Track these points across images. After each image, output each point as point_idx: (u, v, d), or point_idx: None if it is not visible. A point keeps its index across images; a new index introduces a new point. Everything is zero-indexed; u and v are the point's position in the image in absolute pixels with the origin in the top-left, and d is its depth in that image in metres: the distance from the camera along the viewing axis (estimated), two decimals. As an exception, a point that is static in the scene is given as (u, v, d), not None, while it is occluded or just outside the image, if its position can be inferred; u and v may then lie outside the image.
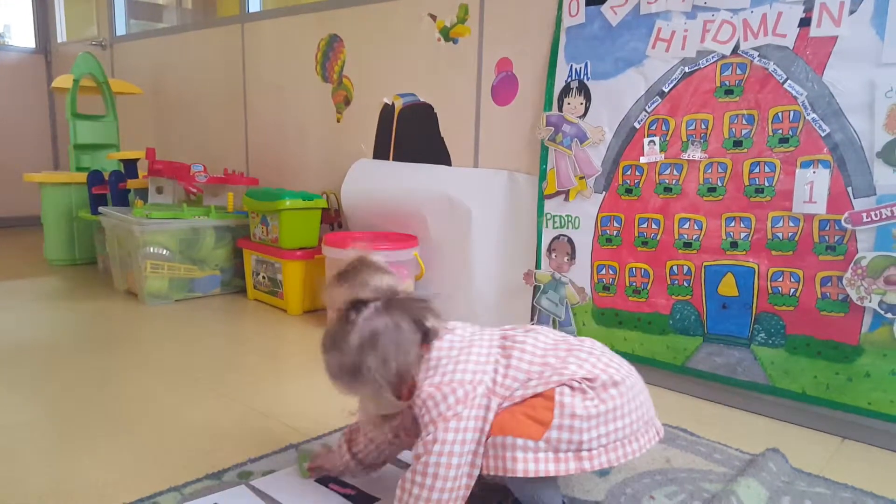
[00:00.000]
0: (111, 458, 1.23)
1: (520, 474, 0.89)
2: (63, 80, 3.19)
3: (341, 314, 0.96)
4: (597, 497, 1.13)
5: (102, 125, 3.23)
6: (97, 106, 3.26)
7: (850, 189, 1.37)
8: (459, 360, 0.96)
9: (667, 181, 1.62)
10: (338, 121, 2.56)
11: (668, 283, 1.64)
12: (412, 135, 2.30)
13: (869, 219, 1.35)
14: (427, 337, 0.97)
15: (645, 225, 1.67)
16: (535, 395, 0.94)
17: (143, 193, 2.78)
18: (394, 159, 2.36)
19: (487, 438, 0.93)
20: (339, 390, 0.99)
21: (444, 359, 0.96)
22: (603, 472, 1.21)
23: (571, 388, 0.93)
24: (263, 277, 2.44)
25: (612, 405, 0.94)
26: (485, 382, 0.95)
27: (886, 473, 1.26)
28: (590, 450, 0.92)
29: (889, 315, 1.33)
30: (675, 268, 1.63)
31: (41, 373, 1.69)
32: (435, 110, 2.20)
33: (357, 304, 0.95)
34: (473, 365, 0.96)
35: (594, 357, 0.99)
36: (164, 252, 2.40)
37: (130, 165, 2.96)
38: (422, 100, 2.24)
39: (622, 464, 0.96)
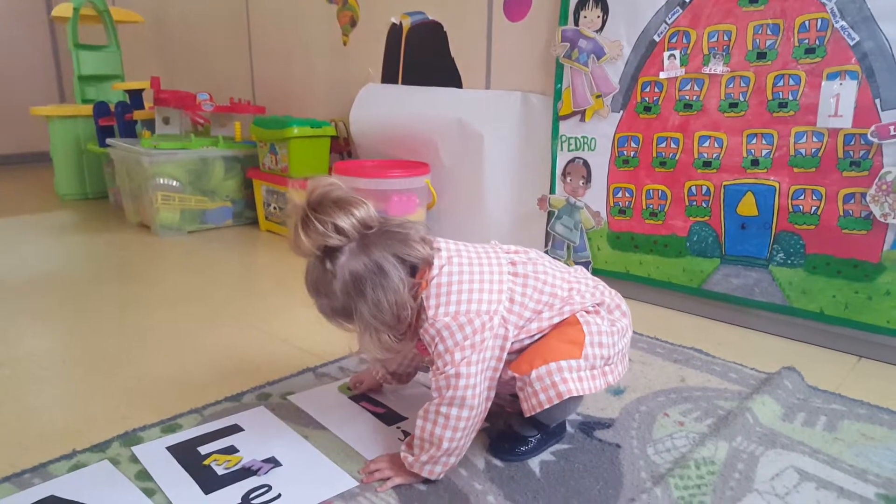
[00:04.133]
0: (132, 383, 1.26)
1: (574, 393, 0.89)
2: (63, 9, 3.11)
3: (315, 261, 0.90)
4: (611, 415, 1.13)
5: (105, 55, 3.17)
6: (99, 35, 3.19)
7: (878, 101, 1.31)
8: (473, 289, 0.91)
9: (687, 97, 1.56)
10: (344, 43, 2.48)
11: (686, 204, 1.61)
12: (421, 56, 2.23)
13: (897, 132, 1.29)
14: (416, 269, 0.92)
15: (663, 144, 1.62)
16: (554, 326, 0.95)
17: (149, 124, 2.75)
18: (403, 83, 2.30)
19: (528, 374, 0.91)
20: (337, 327, 0.96)
21: (454, 284, 0.91)
22: (617, 391, 1.22)
23: (588, 312, 0.97)
24: (275, 208, 2.42)
25: (619, 325, 0.98)
26: (500, 312, 0.92)
27: (903, 390, 1.26)
28: (612, 364, 0.97)
29: (913, 232, 1.30)
30: (693, 188, 1.59)
31: (60, 303, 1.71)
32: (445, 29, 2.12)
33: (329, 252, 0.88)
34: (487, 294, 0.92)
35: (591, 286, 1.01)
36: (174, 183, 2.39)
37: (136, 96, 2.92)
38: (431, 18, 2.16)
39: (622, 377, 1.01)
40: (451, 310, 0.90)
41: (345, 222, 0.86)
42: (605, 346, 0.94)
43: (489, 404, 0.94)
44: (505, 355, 0.93)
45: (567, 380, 0.90)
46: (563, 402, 0.91)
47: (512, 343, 0.94)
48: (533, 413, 0.92)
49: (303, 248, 0.88)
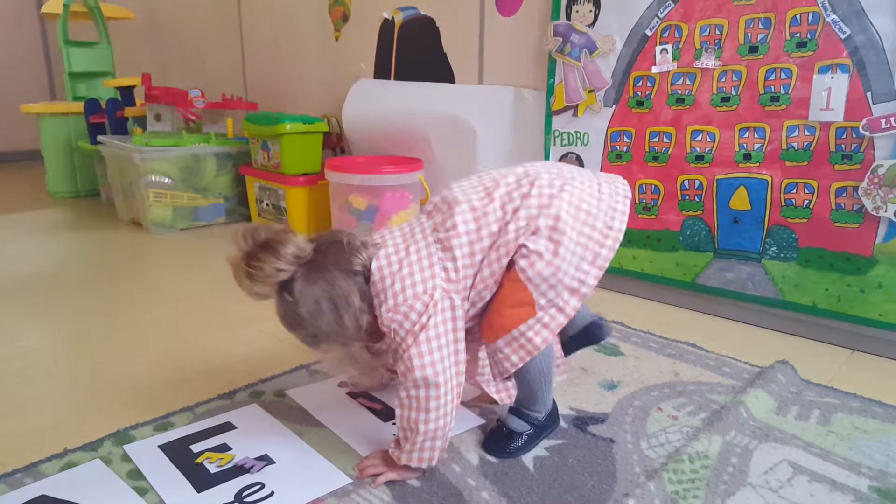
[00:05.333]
0: (124, 381, 1.25)
1: (542, 345, 0.91)
2: (53, 5, 3.08)
3: (277, 297, 0.95)
4: (605, 410, 1.13)
5: (96, 52, 3.15)
6: (89, 32, 3.16)
7: (869, 94, 1.31)
8: (404, 276, 0.91)
9: (679, 91, 1.56)
10: (336, 39, 2.47)
11: (679, 198, 1.61)
12: (414, 52, 2.22)
13: (888, 125, 1.29)
14: (363, 273, 0.94)
15: (656, 139, 1.62)
16: (501, 287, 0.93)
17: (141, 121, 2.73)
18: (395, 78, 2.29)
19: (496, 342, 0.93)
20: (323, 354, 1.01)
21: (387, 279, 0.92)
22: (611, 386, 1.22)
23: (525, 251, 0.90)
24: (267, 205, 2.41)
25: (565, 244, 0.90)
26: (438, 286, 0.91)
27: (895, 383, 1.26)
28: (564, 297, 0.92)
29: (905, 225, 1.31)
30: (686, 182, 1.59)
31: (51, 301, 1.70)
32: (437, 24, 2.12)
33: (284, 285, 0.92)
34: (419, 274, 0.91)
35: (529, 196, 0.92)
36: (166, 180, 2.37)
37: (127, 93, 2.90)
38: (423, 13, 2.15)
39: (604, 270, 0.94)
40: (390, 304, 0.91)
41: (281, 261, 0.90)
42: (553, 287, 0.90)
43: (462, 378, 0.93)
44: (463, 323, 0.93)
45: (532, 338, 0.91)
46: (538, 369, 0.96)
47: (474, 302, 0.95)
48: (510, 373, 0.94)
49: (260, 292, 0.93)
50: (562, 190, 0.92)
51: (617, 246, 0.94)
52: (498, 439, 1.02)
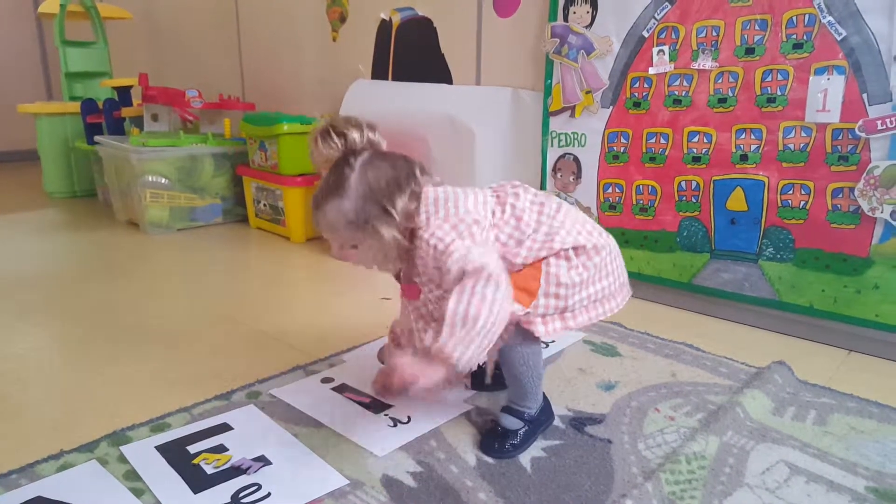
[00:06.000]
0: (120, 382, 1.25)
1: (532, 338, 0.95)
2: (50, 5, 3.08)
3: (336, 163, 0.96)
4: (602, 410, 1.13)
5: (93, 52, 3.14)
6: (86, 32, 3.16)
7: (865, 96, 1.32)
8: (458, 201, 0.95)
9: (676, 93, 1.56)
10: (333, 39, 2.47)
11: (676, 199, 1.61)
12: (411, 52, 2.22)
13: (884, 126, 1.30)
14: (419, 182, 0.97)
15: (653, 140, 1.62)
16: (524, 267, 0.96)
17: (138, 121, 2.73)
18: (393, 79, 2.29)
19: None
20: (338, 242, 0.99)
21: (441, 198, 0.96)
22: (608, 386, 1.22)
23: (558, 256, 0.96)
24: (265, 205, 2.41)
25: (595, 271, 0.98)
26: (488, 221, 0.96)
27: (892, 383, 1.27)
28: (573, 311, 0.97)
29: (901, 226, 1.31)
30: (683, 183, 1.59)
31: (48, 302, 1.69)
32: (434, 25, 2.12)
33: (349, 154, 0.96)
34: (473, 205, 0.96)
35: (578, 223, 1.00)
36: (163, 181, 2.37)
37: (124, 93, 2.90)
38: (420, 14, 2.15)
39: (599, 321, 1.01)
40: (441, 214, 0.94)
41: (362, 134, 0.97)
42: (561, 298, 0.95)
43: (508, 306, 0.90)
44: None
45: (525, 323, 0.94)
46: (526, 363, 0.99)
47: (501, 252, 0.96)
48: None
49: (329, 156, 0.96)
50: (608, 237, 1.02)
51: (617, 309, 1.03)
52: (494, 439, 1.02)
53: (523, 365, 1.00)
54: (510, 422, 1.02)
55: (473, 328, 0.84)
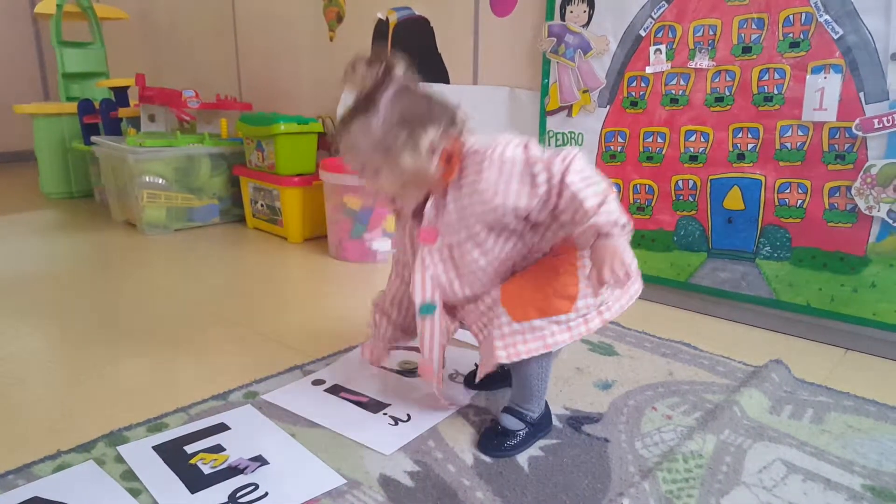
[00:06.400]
0: (118, 382, 1.24)
1: (560, 345, 0.94)
2: (46, 6, 3.07)
3: (372, 85, 0.89)
4: (600, 409, 1.13)
5: (90, 52, 3.14)
6: (83, 32, 3.15)
7: (861, 94, 1.32)
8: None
9: (673, 92, 1.56)
10: (331, 39, 2.47)
11: (673, 198, 1.61)
12: (408, 52, 2.20)
13: (881, 125, 1.30)
14: (457, 124, 0.91)
15: (650, 139, 1.62)
16: (557, 257, 0.95)
17: (135, 122, 2.73)
18: (390, 79, 2.29)
19: (521, 322, 0.93)
20: (357, 165, 0.93)
21: (480, 142, 0.92)
22: (605, 385, 1.22)
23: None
24: (262, 205, 2.41)
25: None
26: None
27: (889, 382, 1.27)
28: (607, 303, 0.96)
29: (898, 224, 1.31)
30: (680, 183, 1.59)
31: (46, 302, 1.69)
32: (431, 24, 2.12)
33: (387, 68, 0.89)
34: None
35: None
36: (160, 181, 2.37)
37: (121, 93, 2.89)
38: (417, 13, 2.15)
39: (628, 308, 0.99)
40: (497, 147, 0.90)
41: (406, 70, 0.91)
42: (599, 294, 0.95)
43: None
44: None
45: (555, 332, 0.93)
46: (541, 367, 0.99)
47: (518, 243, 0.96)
48: (511, 360, 0.93)
49: (367, 77, 0.90)
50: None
51: (640, 291, 1.02)
52: (493, 438, 1.02)
53: (538, 368, 0.99)
54: (511, 422, 1.02)
55: (605, 199, 0.86)
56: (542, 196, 0.89)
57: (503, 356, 0.94)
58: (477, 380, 1.16)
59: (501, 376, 1.18)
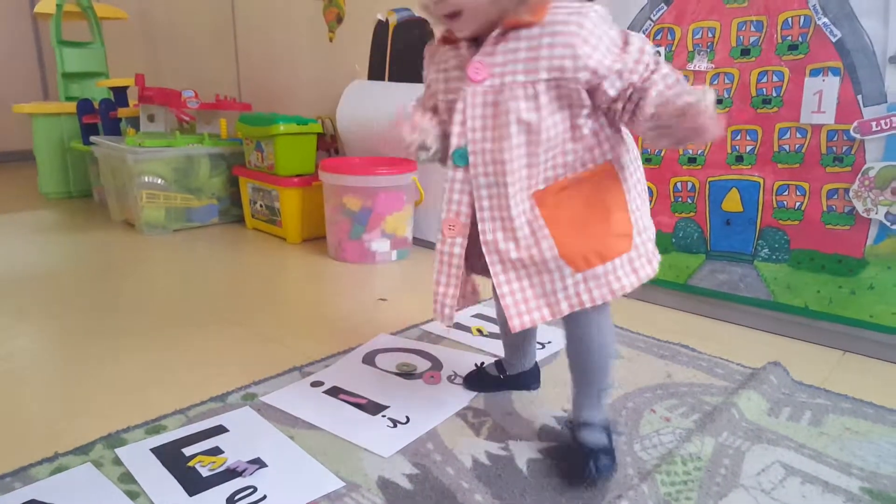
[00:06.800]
0: (117, 382, 1.24)
1: (626, 290, 0.87)
2: (46, 5, 3.08)
3: None
4: (598, 411, 1.13)
5: (89, 52, 3.14)
6: (83, 32, 3.15)
7: (859, 97, 1.32)
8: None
9: (671, 94, 1.56)
10: (330, 40, 2.47)
11: (672, 200, 1.61)
12: (408, 53, 2.22)
13: (879, 128, 1.30)
14: None
15: (648, 141, 1.62)
16: (599, 186, 0.87)
17: (134, 122, 2.72)
18: (389, 79, 2.29)
19: (584, 271, 0.85)
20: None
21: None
22: (604, 388, 1.22)
23: (622, 162, 0.88)
24: (261, 206, 2.41)
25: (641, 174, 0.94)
26: None
27: (886, 384, 1.27)
28: (653, 242, 0.94)
29: (895, 227, 1.31)
30: (678, 184, 1.59)
31: (43, 303, 1.69)
32: (430, 26, 2.12)
33: None
34: None
35: None
36: (159, 181, 2.37)
37: (120, 93, 2.89)
38: (417, 14, 2.15)
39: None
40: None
41: None
42: (648, 228, 0.93)
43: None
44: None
45: (620, 277, 0.87)
46: (604, 335, 0.94)
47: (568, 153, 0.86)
48: (572, 310, 0.87)
49: None
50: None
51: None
52: (586, 462, 0.92)
53: (604, 350, 0.95)
54: (596, 437, 0.95)
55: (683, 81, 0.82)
56: (629, 65, 0.81)
57: (566, 307, 0.88)
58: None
59: (497, 381, 1.18)
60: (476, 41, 0.86)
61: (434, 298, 0.95)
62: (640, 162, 0.94)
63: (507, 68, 0.83)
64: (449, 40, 0.91)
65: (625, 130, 0.90)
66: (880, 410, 1.15)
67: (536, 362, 1.21)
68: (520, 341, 1.16)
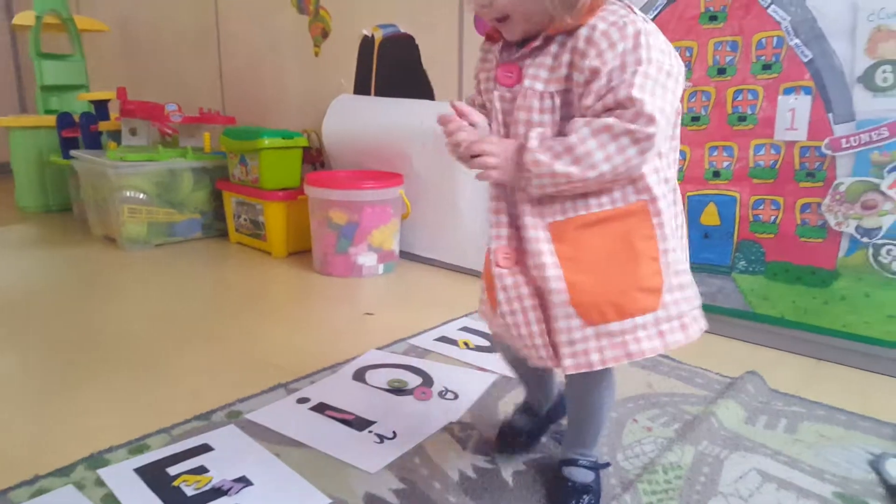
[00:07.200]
0: (98, 403, 1.23)
1: (647, 354, 0.77)
2: (24, 17, 3.06)
3: None
4: (581, 423, 1.16)
5: (69, 65, 3.12)
6: (62, 44, 3.14)
7: (830, 115, 1.37)
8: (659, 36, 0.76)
9: (650, 111, 1.60)
10: (316, 55, 2.49)
11: (651, 213, 1.65)
12: (394, 68, 2.24)
13: (848, 144, 1.35)
14: None
15: (628, 156, 1.66)
16: (626, 223, 0.76)
17: (116, 136, 2.72)
18: (375, 94, 2.31)
19: (597, 325, 0.76)
20: None
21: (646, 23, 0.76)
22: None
23: (658, 208, 0.77)
24: (245, 220, 2.41)
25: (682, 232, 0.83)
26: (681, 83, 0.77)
27: (859, 391, 1.31)
28: (693, 313, 0.81)
29: (865, 239, 1.36)
30: (657, 198, 1.63)
31: (22, 320, 1.68)
32: (416, 41, 2.15)
33: None
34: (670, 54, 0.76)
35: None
36: (141, 196, 2.36)
37: (101, 107, 2.88)
38: (402, 31, 2.18)
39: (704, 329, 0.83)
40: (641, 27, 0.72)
41: None
42: (685, 287, 0.79)
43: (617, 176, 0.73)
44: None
45: (640, 339, 0.77)
46: (611, 391, 0.87)
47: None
48: (578, 370, 0.77)
49: None
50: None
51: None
52: (570, 498, 0.92)
53: (608, 394, 0.88)
54: (582, 474, 0.93)
55: (568, 165, 0.71)
56: (608, 79, 0.72)
57: (570, 364, 0.78)
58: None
59: (532, 431, 1.08)
60: (522, 43, 0.80)
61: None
62: (680, 208, 0.83)
63: (529, 72, 0.78)
64: (492, 38, 0.86)
65: (670, 173, 0.81)
66: (852, 417, 1.19)
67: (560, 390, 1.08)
68: (541, 370, 1.01)
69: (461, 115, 0.82)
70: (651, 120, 0.69)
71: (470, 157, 0.78)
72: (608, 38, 0.72)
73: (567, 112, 0.77)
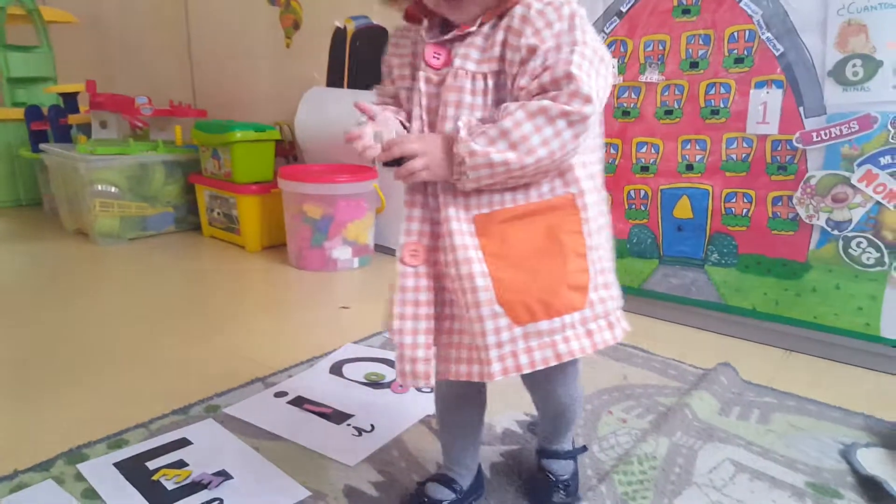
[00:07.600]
0: (75, 399, 1.22)
1: (576, 354, 0.73)
2: (-12, 8, 2.98)
3: None
4: (558, 415, 1.16)
5: (36, 56, 3.05)
6: (29, 36, 3.06)
7: (801, 109, 1.39)
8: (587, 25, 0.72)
9: (625, 104, 1.62)
10: (287, 46, 2.46)
11: (626, 207, 1.66)
12: (367, 60, 2.23)
13: (819, 138, 1.37)
14: None
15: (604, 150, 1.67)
16: (552, 216, 0.74)
17: (85, 129, 2.66)
18: (348, 86, 2.30)
19: (524, 325, 0.72)
20: None
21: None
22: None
23: (583, 203, 0.75)
24: (219, 213, 2.39)
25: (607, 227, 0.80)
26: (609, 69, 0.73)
27: (828, 381, 1.34)
28: (616, 312, 0.78)
29: (835, 232, 1.38)
30: (632, 192, 1.65)
31: (-8, 317, 1.65)
32: (389, 33, 2.13)
33: None
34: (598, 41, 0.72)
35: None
36: (113, 189, 2.32)
37: (70, 99, 2.82)
38: (375, 22, 2.16)
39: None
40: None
41: None
42: (610, 287, 0.76)
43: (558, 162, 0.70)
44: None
45: (569, 338, 0.73)
46: (568, 386, 0.84)
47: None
48: (507, 375, 0.72)
49: None
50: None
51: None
52: (551, 491, 0.92)
53: (571, 398, 0.87)
54: (559, 466, 0.94)
55: (504, 153, 0.68)
56: (543, 58, 0.69)
57: (497, 370, 0.72)
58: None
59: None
60: (447, 25, 0.76)
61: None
62: (606, 207, 0.80)
63: (459, 51, 0.73)
64: (414, 18, 0.80)
65: (598, 168, 0.78)
66: (822, 407, 1.21)
67: None
68: (476, 424, 0.93)
69: (363, 111, 0.78)
70: (587, 100, 0.66)
71: (392, 161, 0.73)
72: (544, 17, 0.69)
73: (499, 96, 0.72)
